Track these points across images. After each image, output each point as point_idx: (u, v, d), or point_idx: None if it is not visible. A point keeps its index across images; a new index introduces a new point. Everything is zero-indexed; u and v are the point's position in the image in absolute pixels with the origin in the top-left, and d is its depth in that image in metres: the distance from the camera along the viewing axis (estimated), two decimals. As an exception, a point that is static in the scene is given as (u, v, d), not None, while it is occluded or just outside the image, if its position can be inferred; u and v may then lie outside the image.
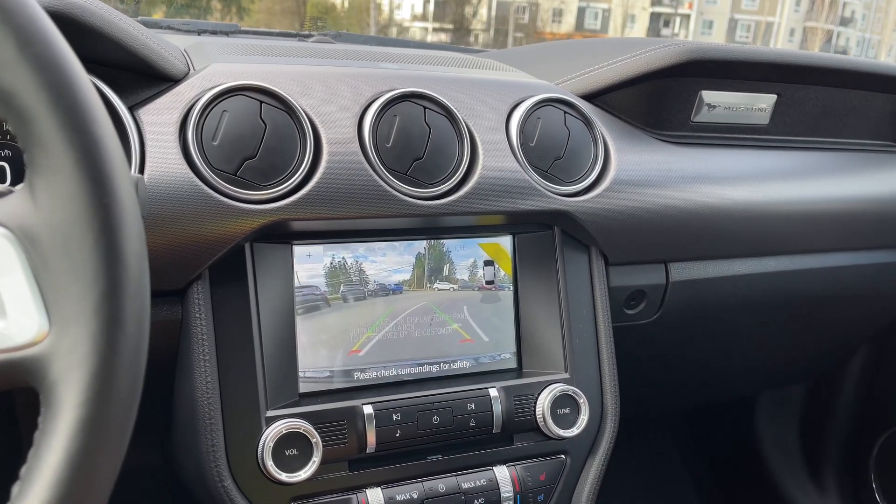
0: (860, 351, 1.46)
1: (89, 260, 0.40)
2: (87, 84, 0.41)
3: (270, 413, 0.74)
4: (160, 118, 0.72)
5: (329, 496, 0.77)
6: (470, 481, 0.82)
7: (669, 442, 1.84)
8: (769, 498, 1.58)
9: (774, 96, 1.04)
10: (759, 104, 1.03)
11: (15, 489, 0.40)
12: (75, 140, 0.40)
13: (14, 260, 0.41)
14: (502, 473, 0.84)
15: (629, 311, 0.98)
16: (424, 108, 0.81)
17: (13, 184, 0.73)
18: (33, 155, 0.41)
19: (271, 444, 0.73)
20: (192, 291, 0.73)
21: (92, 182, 0.40)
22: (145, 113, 0.72)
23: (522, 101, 0.88)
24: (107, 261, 0.40)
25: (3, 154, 0.74)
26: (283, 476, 0.73)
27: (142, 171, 0.69)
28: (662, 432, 1.85)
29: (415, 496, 0.79)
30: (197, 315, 0.73)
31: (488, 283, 0.89)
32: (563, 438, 0.85)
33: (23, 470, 0.40)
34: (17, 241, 0.41)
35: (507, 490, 0.83)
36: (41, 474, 0.38)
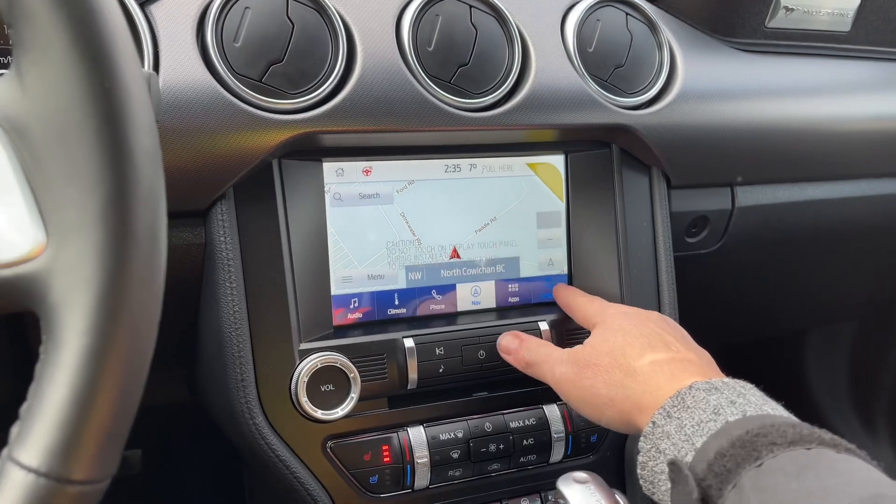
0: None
1: (91, 156, 0.32)
2: None
3: (304, 346, 0.68)
4: (175, 15, 0.64)
5: (368, 434, 0.71)
6: (518, 420, 0.76)
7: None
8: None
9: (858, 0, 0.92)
10: (840, 7, 0.92)
11: (14, 430, 0.33)
12: (69, 9, 0.32)
13: (1, 156, 0.33)
14: (553, 412, 0.77)
15: (690, 240, 0.90)
16: (470, 6, 0.72)
17: None
18: (19, 30, 0.33)
19: (305, 379, 0.67)
20: (215, 212, 0.66)
21: (91, 61, 0.33)
22: (158, 9, 0.64)
23: (579, 1, 0.78)
24: (112, 158, 0.33)
25: None
26: (319, 413, 0.67)
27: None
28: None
29: (459, 435, 0.73)
30: (221, 238, 0.66)
31: (537, 207, 0.80)
32: (618, 375, 0.79)
33: (23, 408, 0.34)
34: (2, 133, 0.34)
35: (558, 430, 0.76)
36: (42, 414, 0.32)
